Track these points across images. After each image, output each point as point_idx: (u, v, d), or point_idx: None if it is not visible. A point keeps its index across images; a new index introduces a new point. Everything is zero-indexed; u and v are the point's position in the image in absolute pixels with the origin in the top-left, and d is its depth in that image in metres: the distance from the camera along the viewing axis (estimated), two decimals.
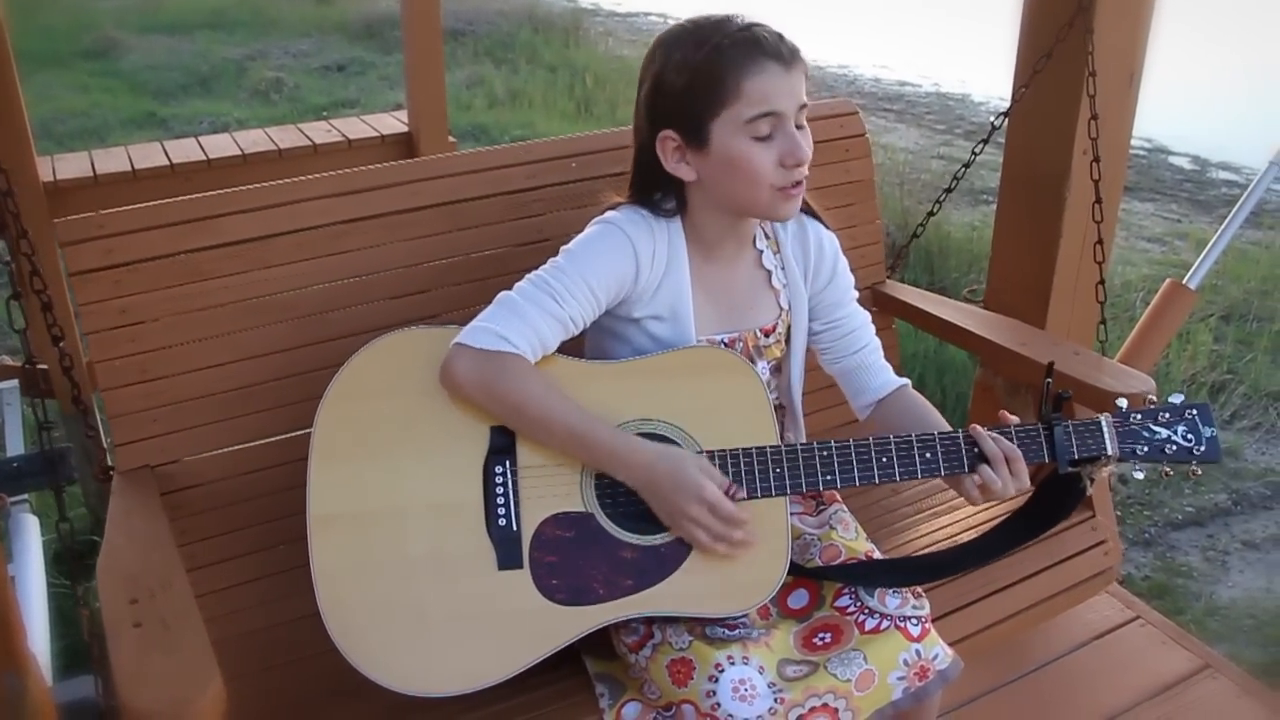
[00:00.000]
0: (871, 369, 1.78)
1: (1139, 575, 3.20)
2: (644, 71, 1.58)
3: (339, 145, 4.48)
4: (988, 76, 10.03)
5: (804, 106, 1.54)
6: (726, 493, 1.49)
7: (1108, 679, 2.24)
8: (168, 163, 4.22)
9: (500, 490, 1.52)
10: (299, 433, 1.68)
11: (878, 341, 1.81)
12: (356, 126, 4.75)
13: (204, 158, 4.29)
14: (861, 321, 1.80)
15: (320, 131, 4.67)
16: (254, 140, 4.54)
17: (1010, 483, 1.52)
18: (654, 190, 1.62)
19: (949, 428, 1.63)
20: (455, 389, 1.51)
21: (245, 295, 1.76)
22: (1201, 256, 2.51)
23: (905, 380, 1.79)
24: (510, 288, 1.55)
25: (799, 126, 1.53)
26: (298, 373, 1.79)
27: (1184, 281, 2.50)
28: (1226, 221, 2.51)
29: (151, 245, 1.70)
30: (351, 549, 1.48)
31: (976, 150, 2.38)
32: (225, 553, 1.79)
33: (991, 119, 2.37)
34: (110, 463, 1.73)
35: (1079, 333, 2.40)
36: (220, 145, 4.49)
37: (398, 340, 1.56)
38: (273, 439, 1.80)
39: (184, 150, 4.41)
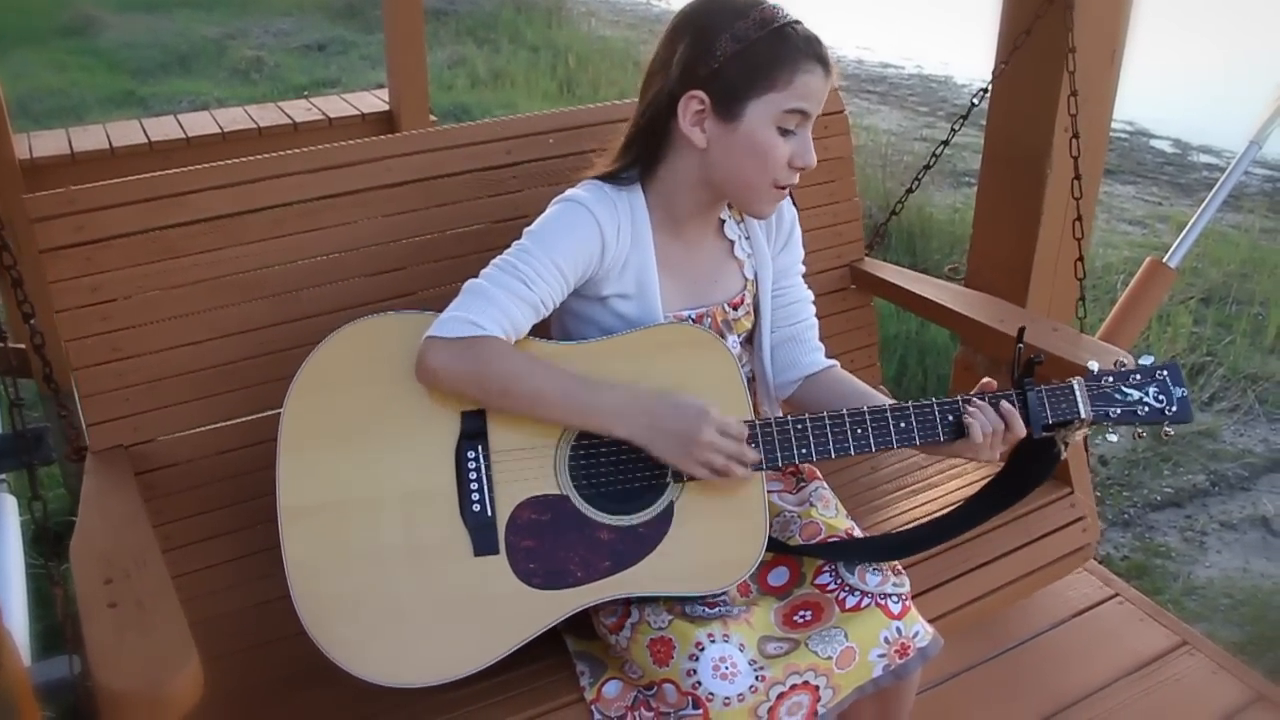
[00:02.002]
0: (805, 344, 1.79)
1: (1118, 555, 3.22)
2: (682, 25, 1.56)
3: (319, 124, 4.44)
4: (970, 58, 10.01)
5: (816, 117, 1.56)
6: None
7: (1086, 656, 2.25)
8: (146, 141, 4.18)
9: (473, 476, 1.51)
10: (274, 412, 1.66)
11: (816, 322, 1.82)
12: (337, 105, 4.71)
13: (183, 136, 4.25)
14: (804, 296, 1.81)
15: (300, 110, 4.63)
16: (233, 118, 4.49)
17: (985, 451, 1.54)
18: (649, 147, 1.60)
19: (889, 400, 1.66)
20: (435, 382, 1.49)
21: (218, 272, 1.74)
22: (1182, 235, 2.50)
23: (835, 361, 1.81)
24: (478, 275, 1.54)
25: None
26: (272, 351, 1.77)
27: (1164, 260, 2.50)
28: (1207, 200, 2.50)
29: (123, 221, 1.68)
30: (324, 541, 1.47)
31: (956, 127, 2.37)
32: (200, 533, 1.78)
33: (971, 97, 2.36)
34: (84, 442, 1.71)
35: (1059, 311, 2.40)
36: (199, 123, 4.44)
37: (364, 327, 1.54)
38: (247, 418, 1.78)
39: (163, 128, 4.37)
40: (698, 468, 1.48)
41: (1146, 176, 7.22)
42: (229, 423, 1.78)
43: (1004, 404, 1.55)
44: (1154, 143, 8.02)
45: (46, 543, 1.93)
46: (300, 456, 1.49)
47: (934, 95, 9.44)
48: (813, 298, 1.83)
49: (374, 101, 4.69)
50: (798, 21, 1.52)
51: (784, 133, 1.52)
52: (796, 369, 1.78)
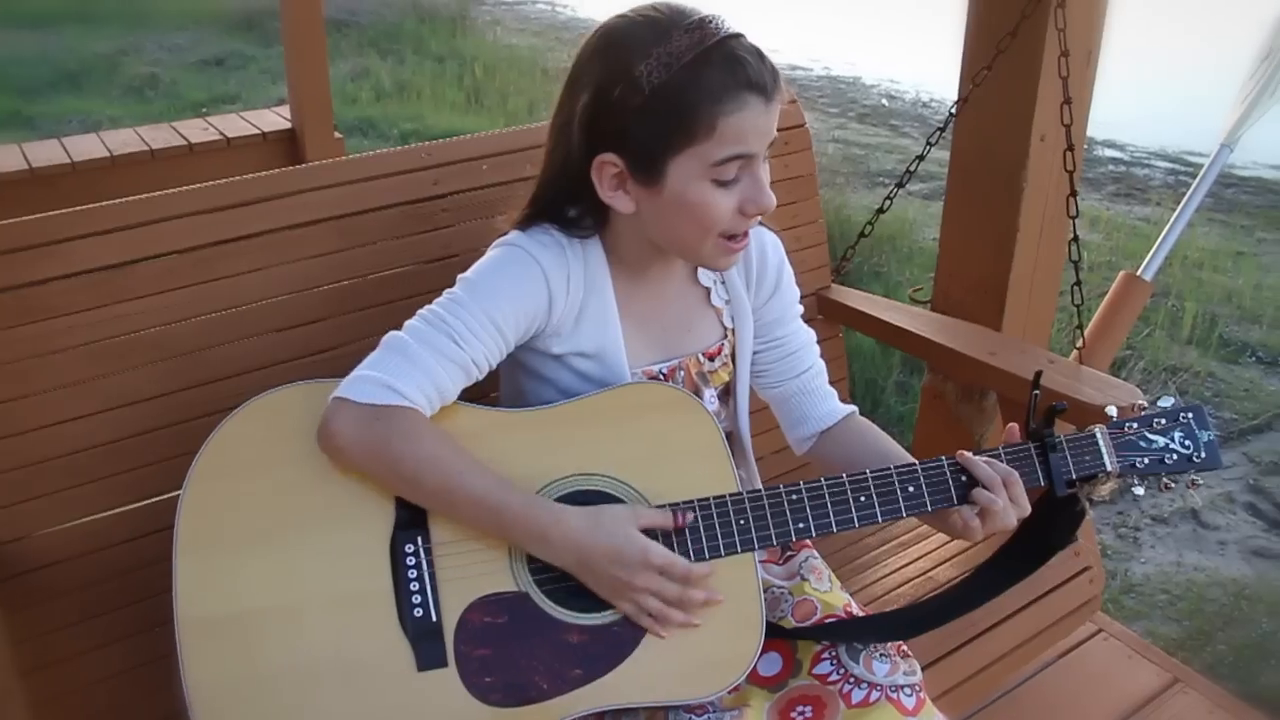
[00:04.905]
0: (815, 394, 1.58)
1: None
2: (581, 71, 1.30)
3: (217, 144, 4.24)
4: (877, 59, 10.08)
5: (773, 141, 1.30)
6: (675, 527, 1.28)
7: (1080, 699, 2.12)
8: (27, 167, 3.96)
9: (413, 574, 1.27)
10: (172, 494, 1.41)
11: (822, 365, 1.60)
12: (236, 124, 4.51)
13: (68, 161, 4.03)
14: (805, 341, 1.59)
15: (196, 130, 4.42)
16: (123, 141, 4.27)
17: (1011, 509, 1.33)
18: (565, 207, 1.36)
19: (911, 458, 1.44)
20: (336, 453, 1.26)
21: (103, 334, 1.48)
22: (1156, 245, 2.37)
23: (852, 407, 1.60)
24: (400, 326, 1.30)
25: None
26: (171, 423, 1.52)
27: (1138, 273, 2.36)
28: (1179, 210, 2.38)
29: None
30: (235, 658, 1.23)
31: (932, 140, 2.20)
32: (87, 643, 1.51)
33: (950, 107, 2.18)
34: None
35: (1034, 333, 2.25)
36: (86, 147, 4.22)
37: (272, 401, 1.30)
38: (141, 503, 1.52)
39: (45, 153, 4.14)
40: (627, 608, 1.28)
41: None
42: (120, 510, 1.52)
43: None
44: None
45: None
46: (202, 557, 1.25)
47: (843, 96, 9.50)
48: (814, 336, 1.61)
49: (275, 119, 4.54)
50: (719, 41, 1.22)
51: (724, 184, 1.27)
52: (811, 423, 1.57)
